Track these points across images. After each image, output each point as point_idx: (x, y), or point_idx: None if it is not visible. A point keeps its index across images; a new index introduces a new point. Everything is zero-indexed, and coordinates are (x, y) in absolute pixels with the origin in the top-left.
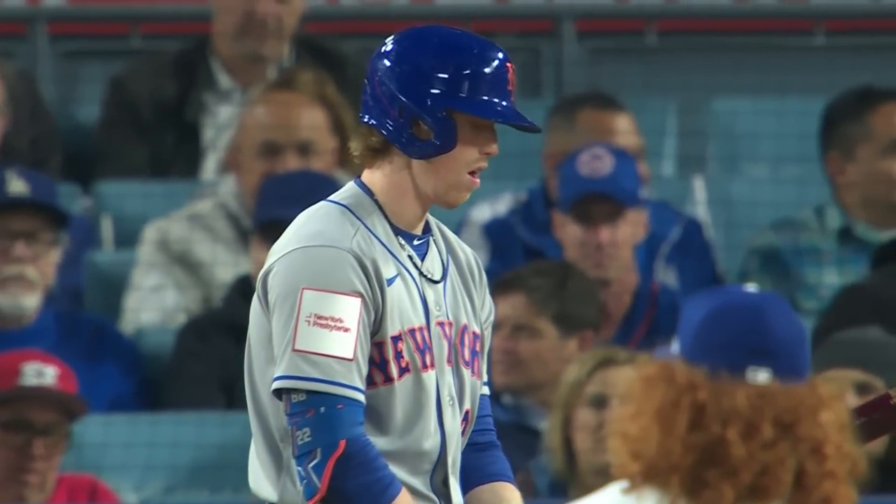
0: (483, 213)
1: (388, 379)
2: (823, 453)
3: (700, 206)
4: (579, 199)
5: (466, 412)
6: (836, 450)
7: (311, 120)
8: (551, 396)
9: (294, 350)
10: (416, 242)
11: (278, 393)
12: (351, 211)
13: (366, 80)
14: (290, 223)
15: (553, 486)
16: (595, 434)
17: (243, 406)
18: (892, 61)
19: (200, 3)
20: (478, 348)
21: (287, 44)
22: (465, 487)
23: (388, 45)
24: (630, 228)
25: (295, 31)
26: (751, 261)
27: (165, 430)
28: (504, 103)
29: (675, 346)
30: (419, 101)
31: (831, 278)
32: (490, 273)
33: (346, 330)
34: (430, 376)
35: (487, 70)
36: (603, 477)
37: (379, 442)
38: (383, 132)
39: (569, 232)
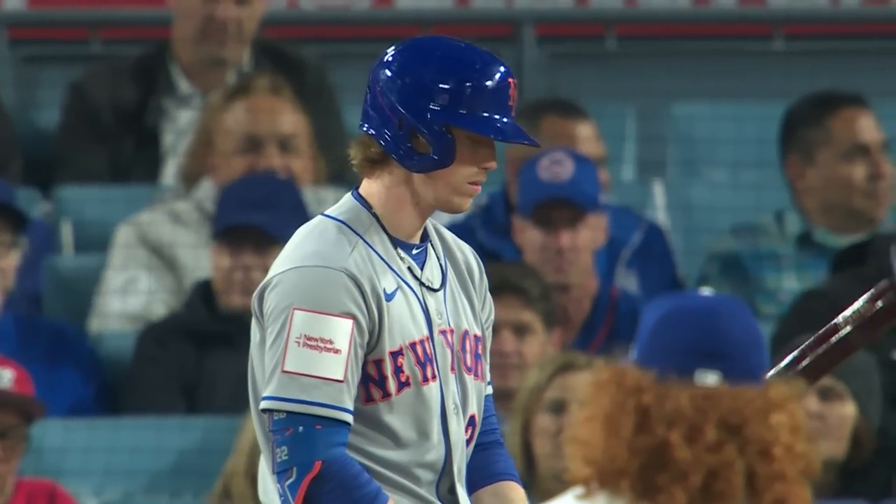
0: (443, 215)
1: (386, 395)
2: (772, 455)
3: (660, 210)
4: (540, 203)
5: (472, 417)
6: (786, 451)
7: (291, 119)
8: (510, 402)
9: (283, 371)
10: (414, 252)
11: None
12: (348, 226)
13: (366, 89)
14: (250, 227)
15: None
16: (554, 439)
17: (202, 411)
18: (850, 66)
19: (160, 8)
20: (479, 351)
21: (247, 48)
22: (471, 487)
23: (391, 55)
24: (590, 233)
25: (255, 36)
26: (710, 266)
27: (125, 435)
28: (504, 119)
29: (633, 352)
30: (419, 114)
31: (791, 283)
32: None
33: (337, 351)
34: (430, 388)
35: (489, 85)
36: (562, 482)
37: (382, 454)
38: (381, 143)
39: (529, 236)
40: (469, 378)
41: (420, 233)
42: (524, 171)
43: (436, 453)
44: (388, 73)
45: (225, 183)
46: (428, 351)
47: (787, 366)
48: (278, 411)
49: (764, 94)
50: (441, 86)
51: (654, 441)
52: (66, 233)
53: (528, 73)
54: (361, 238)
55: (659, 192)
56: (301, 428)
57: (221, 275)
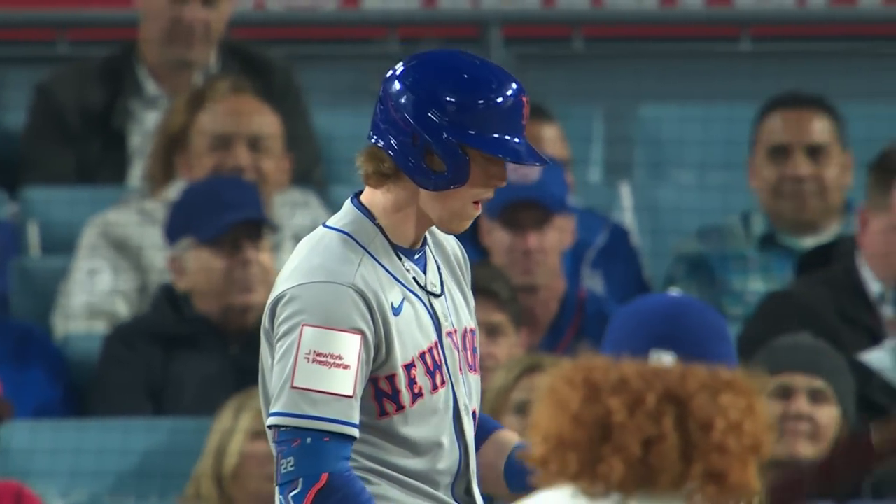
0: None
1: (401, 407)
2: (712, 426)
3: (627, 212)
4: (507, 205)
5: (473, 412)
6: (731, 427)
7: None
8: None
9: (293, 387)
10: (416, 258)
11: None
12: (353, 238)
13: (378, 102)
14: (247, 224)
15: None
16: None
17: (169, 413)
18: (817, 67)
19: (127, 10)
20: (476, 344)
21: (214, 50)
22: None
23: (405, 69)
24: (557, 235)
25: (221, 38)
26: (677, 267)
27: (92, 437)
28: (517, 140)
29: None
30: (434, 132)
31: (756, 285)
32: None
33: (346, 367)
34: (440, 395)
35: (504, 105)
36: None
37: (400, 463)
38: (394, 158)
39: (496, 238)
40: (472, 375)
41: (421, 240)
42: None
43: (452, 456)
44: (403, 87)
45: (192, 183)
46: (437, 358)
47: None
48: (287, 427)
49: (731, 96)
50: (457, 104)
51: (599, 412)
52: (33, 234)
53: None
54: (366, 251)
55: (626, 194)
56: (309, 440)
57: (213, 276)
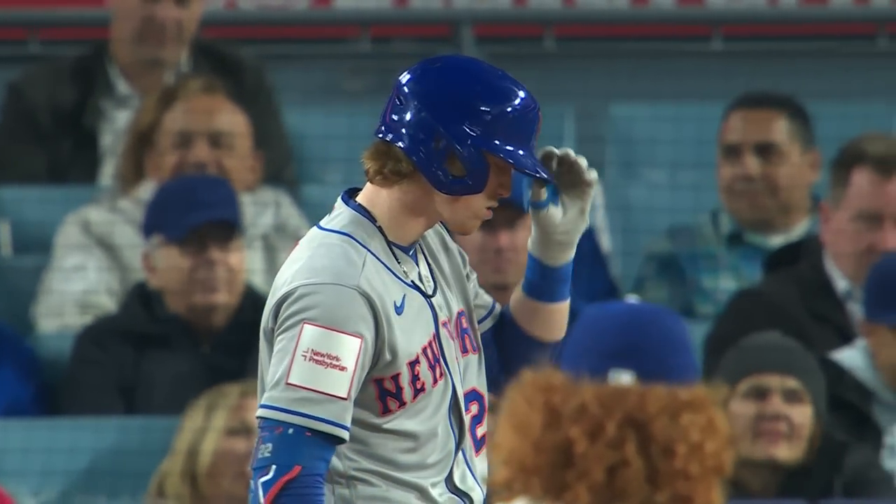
0: None
1: (402, 403)
2: (674, 452)
3: (598, 211)
4: None
5: (473, 391)
6: (693, 450)
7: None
8: None
9: (288, 383)
10: (410, 253)
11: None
12: (354, 239)
13: (394, 100)
14: (215, 224)
15: None
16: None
17: (141, 412)
18: (789, 67)
19: (99, 9)
20: (465, 324)
21: (185, 49)
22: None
23: (433, 72)
24: (528, 234)
25: (193, 37)
26: (647, 266)
27: (63, 436)
28: (531, 153)
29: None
30: (461, 138)
31: (727, 283)
32: None
33: (343, 369)
34: (439, 387)
35: (525, 122)
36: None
37: (397, 458)
38: (414, 159)
39: (468, 236)
40: (467, 358)
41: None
42: None
43: (447, 446)
44: (430, 90)
45: (161, 182)
46: (435, 350)
47: None
48: (276, 421)
49: (703, 95)
50: (485, 112)
51: (560, 438)
52: (5, 233)
53: None
54: (368, 250)
55: (597, 193)
56: (291, 430)
57: (176, 275)
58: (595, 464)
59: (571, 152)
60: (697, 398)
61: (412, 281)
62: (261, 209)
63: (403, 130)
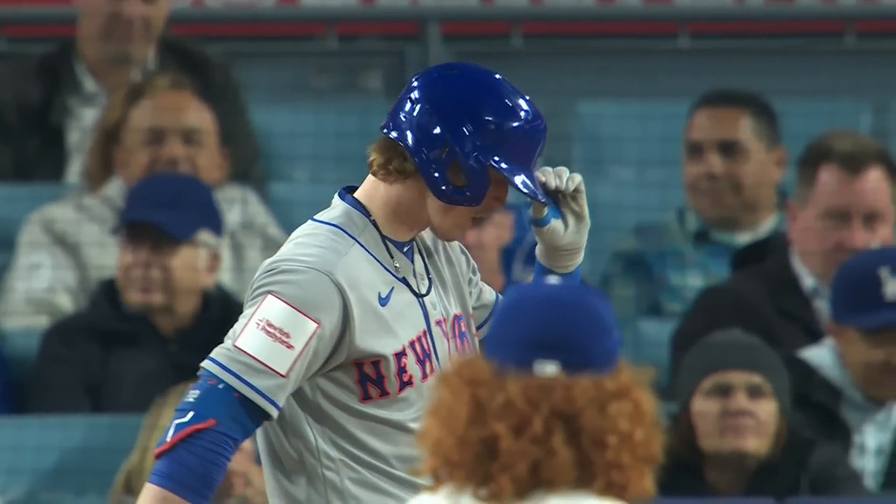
0: None
1: (385, 393)
2: (605, 443)
3: None
4: None
5: None
6: (623, 440)
7: (196, 115)
8: None
9: (234, 345)
10: (405, 249)
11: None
12: (343, 230)
13: (406, 99)
14: (146, 225)
15: None
16: None
17: (108, 410)
18: (756, 65)
19: (66, 6)
20: (464, 328)
21: (152, 46)
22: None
23: (449, 79)
24: (495, 231)
25: (160, 34)
26: (614, 264)
27: (30, 434)
28: (530, 174)
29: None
30: (466, 151)
31: (694, 281)
32: None
33: (290, 347)
34: (429, 383)
35: (532, 141)
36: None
37: (379, 448)
38: (417, 162)
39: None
40: None
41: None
42: None
43: None
44: (444, 97)
45: (132, 179)
46: (426, 346)
47: None
48: (212, 373)
49: (669, 93)
50: (494, 127)
51: (485, 434)
52: None
53: None
54: (356, 240)
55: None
56: (221, 386)
57: (122, 272)
58: (519, 458)
59: (549, 172)
60: (622, 385)
61: (403, 276)
62: (228, 206)
63: (409, 132)
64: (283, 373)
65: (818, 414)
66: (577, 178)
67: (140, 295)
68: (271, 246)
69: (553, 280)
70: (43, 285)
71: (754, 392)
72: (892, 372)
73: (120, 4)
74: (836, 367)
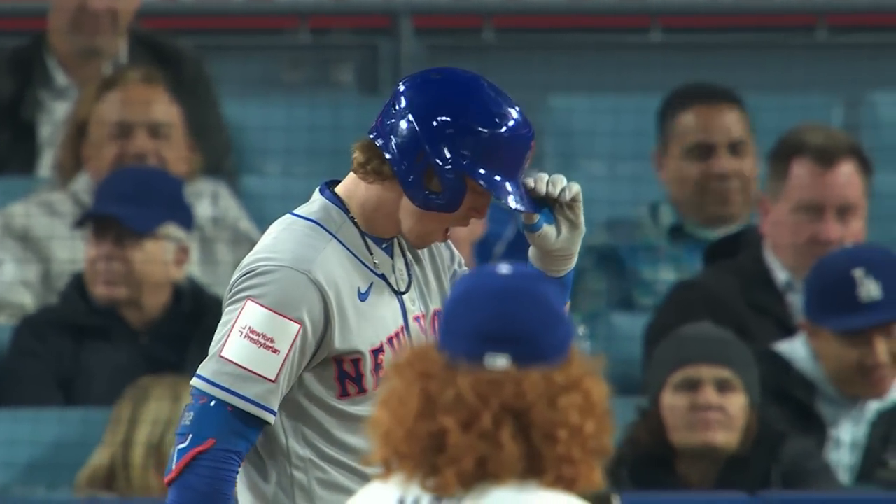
0: None
1: (362, 390)
2: (556, 437)
3: None
4: None
5: None
6: (573, 433)
7: (163, 108)
8: None
9: (220, 356)
10: (384, 245)
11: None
12: (321, 225)
13: (391, 104)
14: (108, 218)
15: None
16: None
17: (80, 403)
18: (728, 59)
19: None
20: None
21: (123, 39)
22: None
23: (431, 84)
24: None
25: (131, 27)
26: (586, 258)
27: (2, 428)
28: (514, 184)
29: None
30: (442, 157)
31: (667, 275)
32: None
33: (276, 351)
34: None
35: (515, 150)
36: None
37: (355, 444)
38: (394, 167)
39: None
40: None
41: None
42: None
43: None
44: (423, 102)
45: (99, 173)
46: (404, 342)
47: None
48: (202, 391)
49: (641, 87)
50: (473, 135)
51: (434, 428)
52: None
53: (407, 67)
54: (334, 236)
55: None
56: (213, 403)
57: (88, 265)
58: (466, 452)
59: (543, 179)
60: (572, 378)
61: (382, 273)
62: (199, 200)
63: (391, 136)
64: (272, 378)
65: (793, 408)
66: (576, 187)
67: (105, 288)
68: (243, 240)
69: (504, 268)
70: (3, 281)
71: (723, 386)
72: (867, 372)
73: None
74: (810, 362)
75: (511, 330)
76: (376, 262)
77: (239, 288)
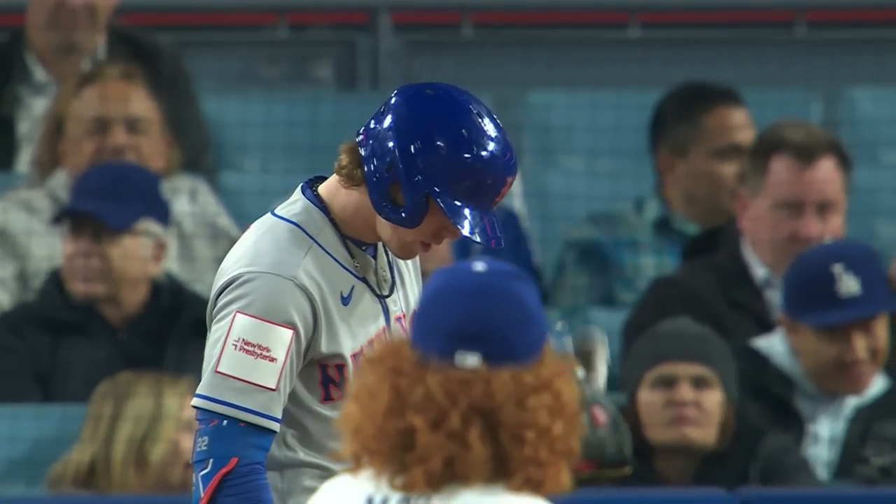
0: None
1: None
2: (524, 438)
3: (516, 198)
4: None
5: None
6: (541, 435)
7: (141, 104)
8: None
9: (216, 371)
10: (364, 248)
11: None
12: (301, 228)
13: (380, 112)
14: (84, 214)
15: None
16: None
17: (58, 400)
18: (706, 55)
19: None
20: None
21: (101, 35)
22: None
23: (418, 96)
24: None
25: (109, 23)
26: (568, 253)
27: None
28: (479, 213)
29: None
30: (410, 173)
31: (649, 270)
32: None
33: (273, 360)
34: None
35: (482, 179)
36: None
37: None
38: (365, 170)
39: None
40: None
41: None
42: None
43: None
44: (406, 114)
45: (77, 169)
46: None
47: None
48: (210, 413)
49: (620, 83)
50: (440, 159)
51: (403, 426)
52: None
53: (385, 62)
54: (315, 241)
55: (515, 180)
56: (225, 422)
57: (66, 262)
58: (435, 452)
59: None
60: (542, 378)
61: (363, 276)
62: (177, 196)
63: (371, 141)
64: (272, 387)
65: (772, 404)
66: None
67: (82, 285)
68: (221, 236)
69: (480, 265)
70: None
71: (699, 383)
72: (845, 367)
73: None
74: (788, 358)
75: (483, 329)
76: (357, 264)
77: (225, 301)
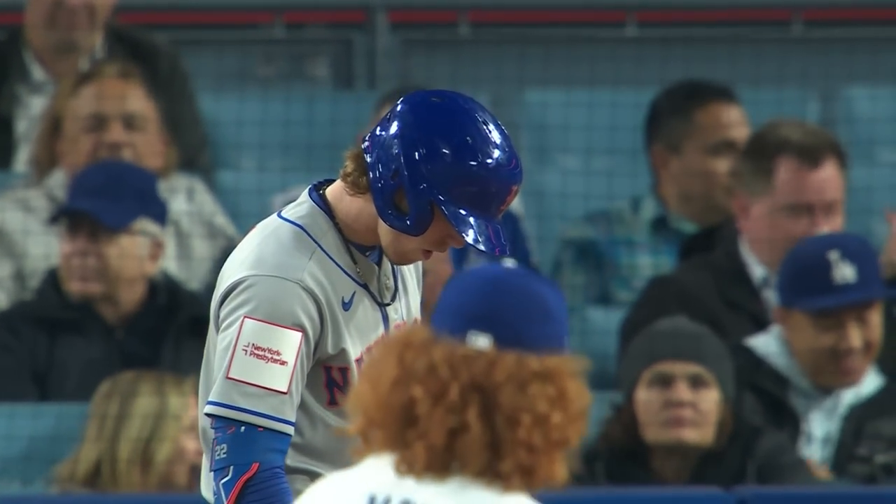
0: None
1: None
2: (518, 421)
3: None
4: None
5: None
6: (538, 421)
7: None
8: None
9: (228, 377)
10: (367, 253)
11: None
12: (306, 232)
13: (386, 119)
14: (81, 213)
15: None
16: None
17: (54, 398)
18: (702, 53)
19: None
20: None
21: (100, 34)
22: None
23: (425, 104)
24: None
25: (107, 22)
26: (565, 252)
27: None
28: (486, 224)
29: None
30: (414, 181)
31: (646, 270)
32: None
33: (283, 363)
34: None
35: (487, 187)
36: None
37: (340, 458)
38: (370, 177)
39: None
40: None
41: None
42: None
43: None
44: (413, 122)
45: (74, 168)
46: None
47: None
48: (221, 416)
49: (616, 81)
50: (445, 167)
51: (405, 398)
52: None
53: (381, 61)
54: (319, 245)
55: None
56: (243, 429)
57: (63, 261)
58: (436, 426)
59: None
60: (549, 369)
61: (365, 282)
62: (174, 195)
63: (376, 149)
64: (283, 390)
65: (766, 402)
66: None
67: (79, 284)
68: (218, 234)
69: (510, 265)
70: None
71: (696, 382)
72: (839, 358)
73: None
74: (782, 356)
75: (497, 313)
76: (359, 270)
77: (231, 306)
